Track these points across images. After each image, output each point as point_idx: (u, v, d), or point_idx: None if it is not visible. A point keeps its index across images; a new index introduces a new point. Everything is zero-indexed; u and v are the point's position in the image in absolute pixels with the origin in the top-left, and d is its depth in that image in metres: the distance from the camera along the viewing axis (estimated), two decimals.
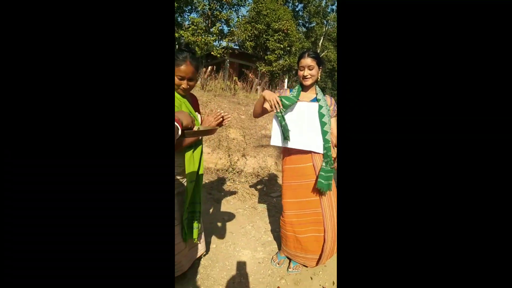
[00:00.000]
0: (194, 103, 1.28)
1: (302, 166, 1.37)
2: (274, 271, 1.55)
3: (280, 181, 2.99)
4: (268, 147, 3.80)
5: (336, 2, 16.87)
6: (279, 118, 1.28)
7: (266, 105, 1.29)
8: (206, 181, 2.90)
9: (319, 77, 1.36)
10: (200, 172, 1.24)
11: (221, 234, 1.91)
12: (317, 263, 1.44)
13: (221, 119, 1.21)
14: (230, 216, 2.21)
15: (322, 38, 16.44)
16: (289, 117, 1.31)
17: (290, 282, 1.47)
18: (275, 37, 8.80)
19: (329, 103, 1.36)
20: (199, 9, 8.16)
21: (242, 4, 9.88)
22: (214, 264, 1.57)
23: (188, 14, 11.70)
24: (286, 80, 10.45)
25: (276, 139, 1.34)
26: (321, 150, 1.30)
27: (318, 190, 1.33)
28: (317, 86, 1.38)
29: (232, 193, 2.70)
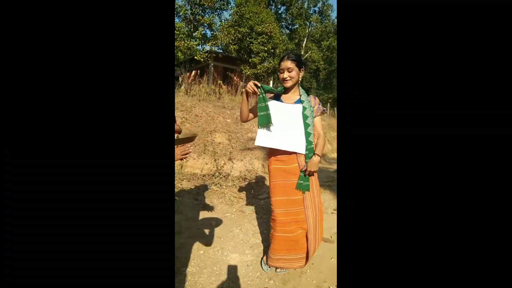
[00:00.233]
0: None
1: (287, 166, 1.40)
2: (263, 273, 1.56)
3: (267, 182, 3.01)
4: (254, 149, 3.82)
5: (317, 4, 17.22)
6: (261, 101, 1.30)
7: (245, 94, 1.34)
8: (192, 187, 2.88)
9: (300, 78, 1.38)
10: None
11: (209, 240, 1.90)
12: (306, 262, 1.46)
13: (186, 155, 1.11)
14: (218, 221, 2.20)
15: (305, 39, 16.70)
16: (274, 119, 1.34)
17: (278, 282, 1.49)
18: (258, 40, 8.86)
19: (313, 103, 1.40)
20: (180, 14, 8.11)
21: (225, 8, 9.90)
22: (202, 270, 1.57)
23: None
24: (271, 83, 10.54)
25: (260, 139, 1.36)
26: (304, 151, 1.33)
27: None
28: (300, 87, 1.41)
29: (219, 197, 2.69)
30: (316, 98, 1.45)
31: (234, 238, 1.96)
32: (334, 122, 9.61)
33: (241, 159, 3.53)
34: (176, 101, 3.75)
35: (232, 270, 1.59)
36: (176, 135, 0.96)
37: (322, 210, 1.46)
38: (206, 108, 4.40)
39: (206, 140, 3.60)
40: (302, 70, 1.37)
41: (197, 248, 1.77)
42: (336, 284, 1.47)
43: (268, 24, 8.85)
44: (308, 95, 1.41)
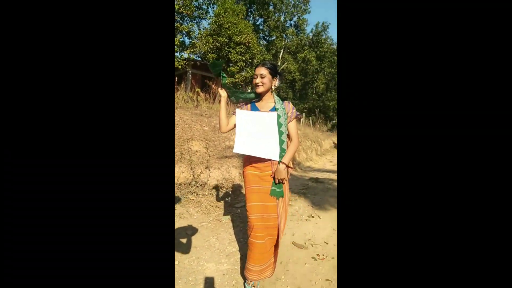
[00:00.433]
0: None
1: (262, 173, 1.44)
2: (239, 281, 1.56)
3: (244, 190, 3.03)
4: (232, 158, 3.84)
5: (293, 18, 17.96)
6: (229, 93, 1.46)
7: (222, 101, 1.48)
8: None
9: (273, 87, 1.44)
10: None
11: (185, 250, 1.87)
12: (273, 270, 1.49)
13: None
14: (194, 231, 2.17)
15: (282, 51, 17.27)
16: (250, 127, 1.40)
17: None
18: (237, 50, 9.01)
19: (288, 109, 1.44)
20: None
21: (204, 17, 9.97)
22: (177, 281, 1.54)
23: None
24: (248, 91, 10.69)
25: (238, 147, 1.39)
26: (277, 158, 1.38)
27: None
28: (275, 95, 1.46)
29: (196, 206, 2.66)
30: (290, 103, 1.50)
31: (210, 248, 1.94)
32: (309, 131, 9.93)
33: (218, 167, 3.53)
34: None
35: (208, 280, 1.58)
36: None
37: (286, 218, 1.51)
38: (183, 116, 4.35)
39: (182, 148, 3.55)
40: (276, 79, 1.43)
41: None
42: None
43: (246, 34, 9.05)
44: (283, 101, 1.46)
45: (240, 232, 2.17)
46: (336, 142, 11.88)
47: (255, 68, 1.43)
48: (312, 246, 2.06)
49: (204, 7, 9.94)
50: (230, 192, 3.13)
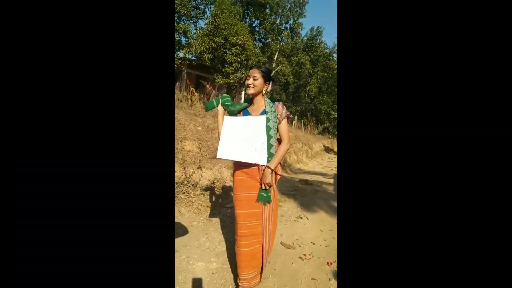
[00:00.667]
0: None
1: (250, 179, 1.43)
2: (228, 280, 1.61)
3: None
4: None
5: (289, 21, 18.13)
6: (228, 111, 1.51)
7: (219, 117, 1.52)
8: None
9: (265, 91, 1.44)
10: None
11: (175, 249, 1.90)
12: (260, 277, 1.49)
13: None
14: (185, 230, 2.21)
15: (277, 53, 17.41)
16: (237, 133, 1.40)
17: None
18: (232, 51, 9.05)
19: (278, 110, 1.42)
20: None
21: (201, 17, 9.97)
22: None
23: None
24: (243, 93, 10.74)
25: (222, 152, 1.39)
26: (265, 163, 1.36)
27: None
28: (266, 98, 1.45)
29: (187, 206, 2.69)
30: (281, 103, 1.45)
31: (200, 247, 1.98)
32: (300, 133, 10.06)
33: (211, 167, 3.56)
34: None
35: (197, 279, 1.62)
36: None
37: (276, 222, 1.52)
38: (177, 115, 4.35)
39: (175, 148, 3.57)
40: (268, 84, 1.43)
41: None
42: None
43: (242, 36, 9.10)
44: (274, 102, 1.46)
45: (230, 232, 2.22)
46: (325, 145, 12.06)
47: (249, 69, 1.44)
48: (300, 246, 2.13)
49: (202, 7, 9.95)
50: (222, 193, 3.17)
